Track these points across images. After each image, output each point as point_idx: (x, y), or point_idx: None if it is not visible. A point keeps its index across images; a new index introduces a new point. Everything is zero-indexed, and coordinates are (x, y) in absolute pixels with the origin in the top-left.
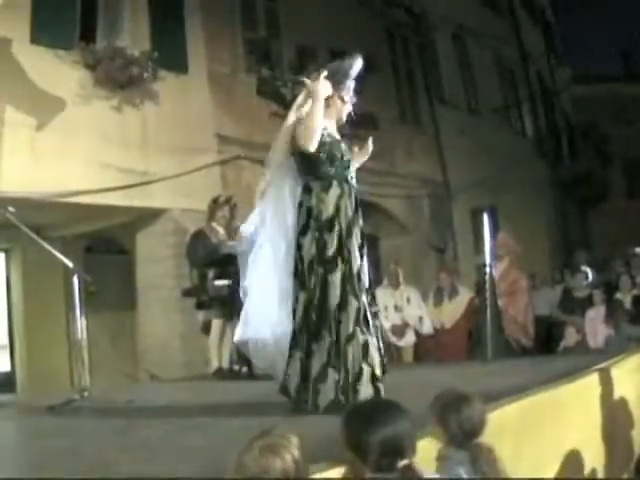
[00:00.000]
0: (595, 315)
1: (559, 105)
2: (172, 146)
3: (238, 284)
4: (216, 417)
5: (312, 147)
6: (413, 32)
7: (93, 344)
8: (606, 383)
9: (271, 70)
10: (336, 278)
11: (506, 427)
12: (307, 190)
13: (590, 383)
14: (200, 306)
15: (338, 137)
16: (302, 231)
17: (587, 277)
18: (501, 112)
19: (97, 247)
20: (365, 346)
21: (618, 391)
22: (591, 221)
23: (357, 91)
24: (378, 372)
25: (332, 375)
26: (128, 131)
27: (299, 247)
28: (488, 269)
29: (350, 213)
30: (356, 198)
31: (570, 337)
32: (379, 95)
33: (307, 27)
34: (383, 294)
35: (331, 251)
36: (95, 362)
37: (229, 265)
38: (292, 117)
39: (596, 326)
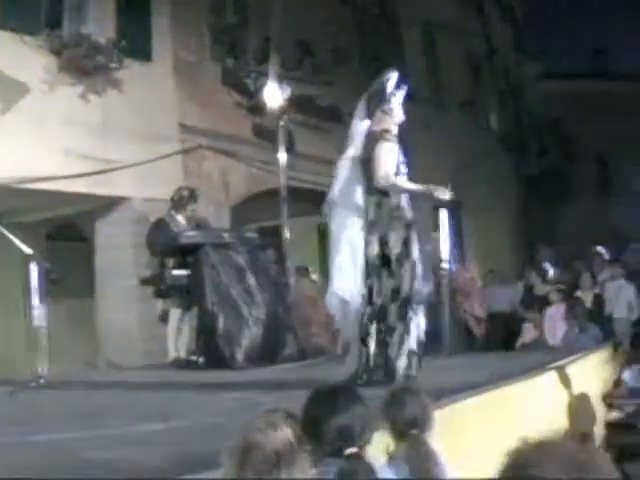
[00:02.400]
0: (554, 312)
1: (526, 101)
2: (135, 134)
3: (195, 275)
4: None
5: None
6: (382, 24)
7: (53, 331)
8: (566, 380)
9: (236, 60)
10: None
11: (463, 422)
12: (384, 192)
13: (549, 380)
14: (158, 295)
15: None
16: (388, 228)
17: (545, 275)
18: (467, 107)
19: (59, 234)
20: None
21: (578, 388)
22: (556, 218)
23: (322, 84)
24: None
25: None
26: (91, 118)
27: (386, 242)
28: (447, 265)
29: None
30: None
31: (528, 333)
32: (345, 88)
33: (275, 17)
34: None
35: (413, 249)
36: (55, 349)
37: (188, 255)
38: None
39: (555, 323)
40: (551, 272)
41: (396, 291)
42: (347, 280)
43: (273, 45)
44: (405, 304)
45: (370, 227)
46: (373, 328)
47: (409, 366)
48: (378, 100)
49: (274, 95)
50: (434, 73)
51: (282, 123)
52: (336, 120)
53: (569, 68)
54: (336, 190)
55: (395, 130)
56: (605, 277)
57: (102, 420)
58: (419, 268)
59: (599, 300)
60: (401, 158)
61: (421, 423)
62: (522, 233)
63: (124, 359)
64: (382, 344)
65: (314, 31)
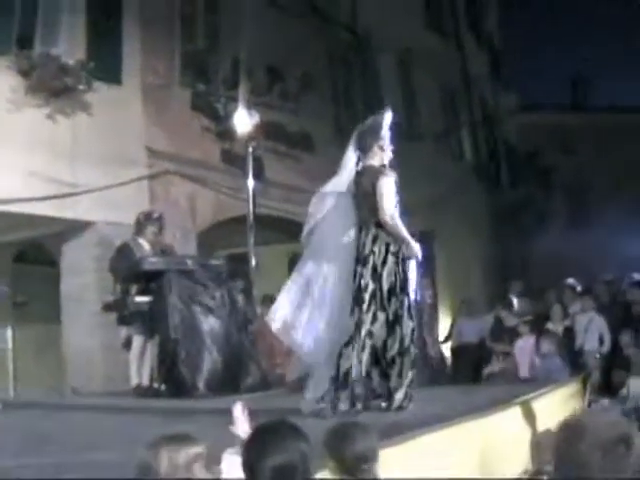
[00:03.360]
0: (524, 345)
1: (501, 131)
2: (102, 158)
3: (158, 301)
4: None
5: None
6: (355, 52)
7: (20, 355)
8: (532, 415)
9: (206, 85)
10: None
11: (420, 459)
12: (380, 226)
13: (515, 414)
14: (121, 321)
15: None
16: (382, 261)
17: (511, 307)
18: (442, 137)
19: (25, 257)
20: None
21: (545, 422)
22: (529, 250)
23: (292, 110)
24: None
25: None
26: (59, 141)
27: (379, 276)
28: (413, 297)
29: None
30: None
31: (495, 364)
32: (316, 115)
33: (245, 42)
34: None
35: (405, 282)
36: (21, 373)
37: (151, 281)
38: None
39: (525, 355)
40: (516, 304)
41: (391, 325)
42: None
43: (243, 70)
44: (404, 338)
45: (364, 260)
46: (364, 358)
47: (406, 398)
48: (374, 136)
49: (244, 121)
50: (409, 103)
51: (251, 149)
52: (305, 147)
53: (545, 100)
54: (319, 221)
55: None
56: (576, 309)
57: (48, 447)
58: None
59: (570, 332)
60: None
61: (371, 458)
62: (494, 264)
63: (88, 385)
64: (384, 376)
65: (284, 57)
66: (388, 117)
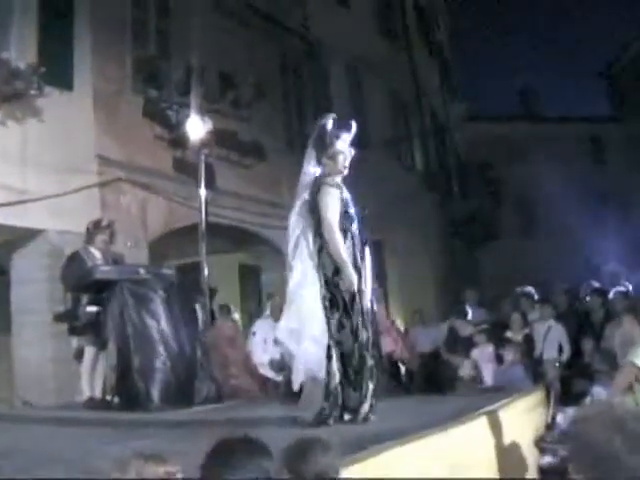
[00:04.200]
0: (480, 354)
1: (452, 141)
2: (52, 165)
3: (110, 311)
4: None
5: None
6: (306, 59)
7: None
8: (496, 425)
9: (159, 91)
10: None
11: (390, 473)
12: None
13: (479, 425)
14: (73, 332)
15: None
16: (335, 272)
17: (465, 316)
18: (392, 146)
19: None
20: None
21: (508, 433)
22: (480, 259)
23: (244, 118)
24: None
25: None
26: (8, 147)
27: (336, 284)
28: (369, 304)
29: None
30: (362, 245)
31: (465, 370)
32: (268, 124)
33: (197, 48)
34: (264, 326)
35: (364, 293)
36: None
37: (103, 291)
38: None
39: (482, 365)
40: (470, 313)
41: (354, 334)
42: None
43: (195, 77)
44: (362, 348)
45: (318, 271)
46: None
47: (371, 409)
48: (320, 145)
49: (196, 128)
50: (359, 110)
51: (203, 157)
52: (257, 156)
53: (495, 110)
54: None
55: (340, 175)
56: (534, 318)
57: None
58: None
59: (530, 341)
60: (350, 206)
61: (331, 475)
62: (446, 274)
63: (38, 398)
64: (355, 385)
65: (236, 64)
66: (329, 123)
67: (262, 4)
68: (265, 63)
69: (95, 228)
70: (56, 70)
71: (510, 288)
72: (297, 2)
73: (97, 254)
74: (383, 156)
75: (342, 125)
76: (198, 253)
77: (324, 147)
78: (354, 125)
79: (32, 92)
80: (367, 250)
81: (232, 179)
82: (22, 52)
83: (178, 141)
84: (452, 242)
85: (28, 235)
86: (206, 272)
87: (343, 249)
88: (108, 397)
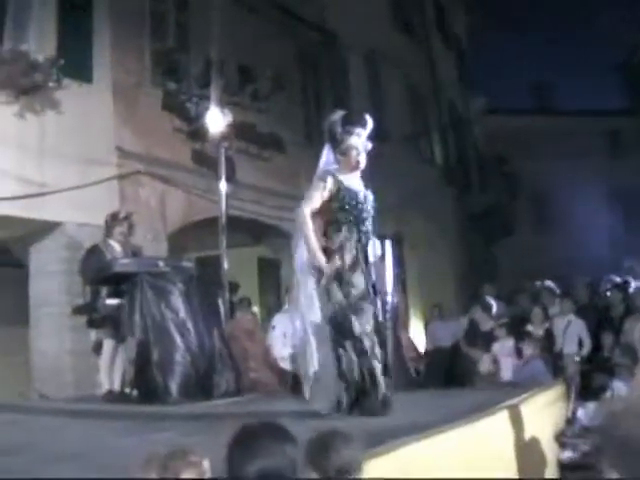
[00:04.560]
0: (500, 348)
1: (470, 135)
2: (71, 157)
3: (129, 304)
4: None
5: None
6: (324, 52)
7: None
8: (516, 420)
9: (178, 83)
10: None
11: (409, 468)
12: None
13: (501, 420)
14: (91, 324)
15: (356, 188)
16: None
17: (490, 309)
18: (410, 139)
19: None
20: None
21: (529, 428)
22: (498, 254)
23: (263, 111)
24: None
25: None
26: (27, 139)
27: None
28: (390, 298)
29: (354, 253)
30: (365, 242)
31: (484, 365)
32: (286, 116)
33: (216, 41)
34: (283, 320)
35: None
36: None
37: (122, 283)
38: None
39: (502, 359)
40: (495, 307)
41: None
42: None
43: (215, 69)
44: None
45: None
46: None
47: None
48: (332, 142)
49: (216, 120)
50: (378, 103)
51: (223, 150)
52: (276, 148)
53: (513, 103)
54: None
55: (354, 170)
56: (554, 312)
57: (17, 457)
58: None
59: (550, 335)
60: (357, 201)
61: (354, 469)
62: (464, 268)
63: (56, 390)
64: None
65: (255, 57)
66: (337, 119)
67: None
68: (283, 55)
69: (113, 220)
70: (75, 62)
71: (528, 282)
72: None
73: (116, 247)
74: (402, 150)
75: (356, 120)
76: (217, 246)
77: (336, 143)
78: (369, 120)
79: (51, 84)
80: (388, 246)
81: (251, 172)
82: (41, 44)
83: (197, 134)
84: (470, 236)
85: (46, 228)
86: (226, 265)
87: (311, 234)
88: (127, 390)
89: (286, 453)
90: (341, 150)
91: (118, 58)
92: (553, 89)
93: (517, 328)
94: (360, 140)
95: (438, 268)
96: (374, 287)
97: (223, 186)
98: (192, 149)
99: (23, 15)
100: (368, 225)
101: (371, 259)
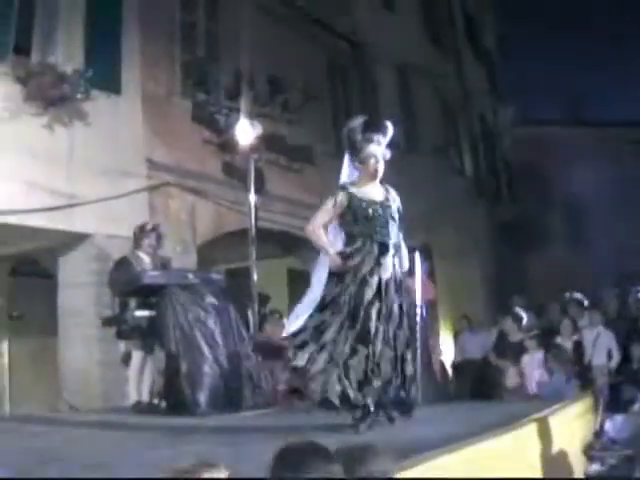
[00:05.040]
0: (530, 360)
1: (500, 146)
2: (100, 169)
3: (158, 316)
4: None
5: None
6: (354, 63)
7: (15, 370)
8: (545, 433)
9: (207, 95)
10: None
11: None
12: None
13: (530, 432)
14: (120, 336)
15: (373, 197)
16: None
17: (520, 320)
18: (441, 150)
19: (23, 270)
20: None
21: (557, 441)
22: (528, 265)
23: (293, 122)
24: None
25: None
26: (56, 151)
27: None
28: (419, 310)
29: (368, 266)
30: (379, 253)
31: (511, 379)
32: (316, 127)
33: (247, 52)
34: None
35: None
36: (16, 388)
37: (151, 295)
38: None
39: (532, 371)
40: (525, 319)
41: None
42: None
43: (245, 81)
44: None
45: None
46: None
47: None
48: (351, 150)
49: (246, 132)
50: (408, 114)
51: (252, 161)
52: (307, 160)
53: (545, 114)
54: None
55: (373, 179)
56: (584, 324)
57: (48, 467)
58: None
59: (579, 347)
60: (373, 211)
61: None
62: (494, 279)
63: (84, 402)
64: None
65: (285, 68)
66: (357, 127)
67: (311, 8)
68: (314, 67)
69: (141, 232)
70: (103, 74)
71: (557, 294)
72: (345, 7)
73: (145, 259)
74: (432, 160)
75: (377, 127)
76: (247, 258)
77: (355, 152)
78: (390, 126)
79: (79, 96)
80: (417, 258)
81: (281, 183)
82: (69, 56)
83: (227, 145)
84: (500, 247)
85: (75, 239)
86: (255, 277)
87: (322, 238)
88: (155, 401)
89: (330, 472)
90: (360, 159)
91: (147, 69)
92: (586, 99)
93: (546, 340)
94: (380, 148)
95: (468, 279)
96: (401, 307)
97: (252, 198)
98: (222, 161)
99: (50, 27)
100: (386, 235)
101: (393, 269)
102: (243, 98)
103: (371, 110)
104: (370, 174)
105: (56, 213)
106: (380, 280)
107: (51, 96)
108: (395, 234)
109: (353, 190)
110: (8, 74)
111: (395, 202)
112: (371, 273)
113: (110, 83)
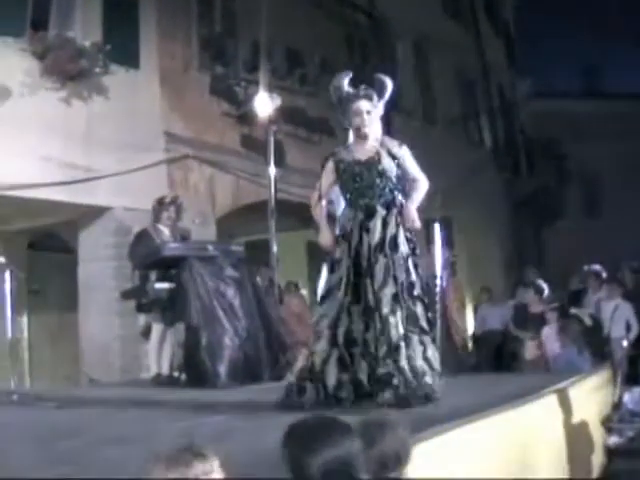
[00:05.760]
0: (550, 332)
1: (518, 119)
2: (118, 142)
3: (179, 288)
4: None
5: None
6: (372, 37)
7: (34, 344)
8: (564, 405)
9: (225, 68)
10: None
11: (457, 452)
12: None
13: (547, 405)
14: (140, 309)
15: (359, 157)
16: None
17: (541, 292)
18: (459, 123)
19: (41, 244)
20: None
21: (576, 412)
22: (546, 238)
23: (311, 95)
24: None
25: None
26: (74, 125)
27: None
28: (439, 281)
29: (356, 235)
30: (365, 216)
31: (530, 351)
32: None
33: (263, 25)
34: None
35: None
36: (36, 363)
37: (171, 267)
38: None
39: (552, 344)
40: (546, 290)
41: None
42: None
43: (263, 53)
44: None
45: None
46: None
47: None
48: (340, 115)
49: (265, 104)
50: (426, 88)
51: (272, 134)
52: (325, 132)
53: (561, 87)
54: None
55: (362, 140)
56: (602, 296)
57: (65, 442)
58: None
59: (596, 320)
60: (355, 174)
61: (404, 458)
62: (512, 252)
63: (104, 375)
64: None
65: (303, 41)
66: (342, 84)
67: None
68: (332, 40)
69: (159, 205)
70: (122, 48)
71: (576, 266)
72: None
73: (165, 231)
74: (450, 133)
75: (359, 84)
76: (266, 230)
77: (341, 110)
78: (385, 81)
79: (97, 70)
80: (437, 230)
81: (300, 155)
82: (87, 30)
83: (245, 118)
84: (519, 220)
85: (95, 213)
86: (275, 249)
87: (320, 216)
88: (175, 374)
89: (347, 447)
90: (347, 118)
91: (165, 43)
92: (602, 71)
93: (564, 311)
94: (368, 104)
95: (487, 252)
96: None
97: (272, 170)
98: (240, 133)
99: (68, 2)
100: (372, 196)
101: (384, 231)
102: (261, 71)
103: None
104: (356, 134)
105: (75, 187)
106: (370, 246)
107: (69, 71)
108: (388, 192)
109: (342, 154)
110: (25, 49)
111: (389, 158)
112: (361, 242)
113: (128, 57)
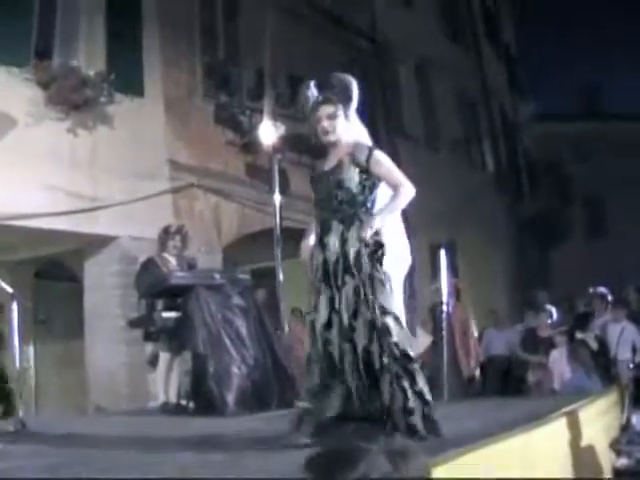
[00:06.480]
0: (559, 356)
1: (521, 141)
2: (123, 171)
3: (186, 316)
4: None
5: None
6: (375, 61)
7: (41, 373)
8: (572, 428)
9: (230, 96)
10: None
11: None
12: None
13: (558, 428)
14: (147, 338)
15: (322, 167)
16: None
17: (551, 316)
18: (462, 146)
19: (47, 273)
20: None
21: (584, 435)
22: (550, 260)
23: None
24: None
25: None
26: (79, 154)
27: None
28: (445, 307)
29: (317, 252)
30: (321, 231)
31: (535, 375)
32: None
33: (267, 53)
34: None
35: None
36: (42, 391)
37: (178, 296)
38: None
39: (561, 367)
40: (555, 314)
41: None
42: None
43: (268, 81)
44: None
45: None
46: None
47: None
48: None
49: (269, 133)
50: (429, 111)
51: (276, 162)
52: None
53: (561, 108)
54: None
55: (330, 149)
56: (608, 319)
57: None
58: None
59: (602, 342)
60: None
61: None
62: (516, 275)
63: (111, 403)
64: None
65: (306, 68)
66: (308, 93)
67: (330, 7)
68: (334, 66)
69: (165, 234)
70: (126, 77)
71: (582, 288)
72: (364, 4)
73: (172, 260)
74: (453, 156)
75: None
76: (271, 257)
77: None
78: (341, 79)
79: (102, 99)
80: (442, 256)
81: (304, 183)
82: (91, 60)
83: (250, 146)
84: (523, 242)
85: (100, 242)
86: (281, 277)
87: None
88: (182, 402)
89: (382, 468)
90: (313, 129)
91: (169, 71)
92: (602, 92)
93: (572, 335)
94: (331, 107)
95: (491, 275)
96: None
97: (277, 198)
98: (245, 161)
99: (72, 30)
100: (327, 209)
101: (343, 247)
102: (265, 99)
103: (392, 107)
104: (323, 141)
105: (80, 216)
106: (327, 262)
107: (74, 100)
108: (346, 207)
109: (318, 165)
110: (30, 79)
111: (353, 167)
112: (322, 259)
113: (132, 86)
